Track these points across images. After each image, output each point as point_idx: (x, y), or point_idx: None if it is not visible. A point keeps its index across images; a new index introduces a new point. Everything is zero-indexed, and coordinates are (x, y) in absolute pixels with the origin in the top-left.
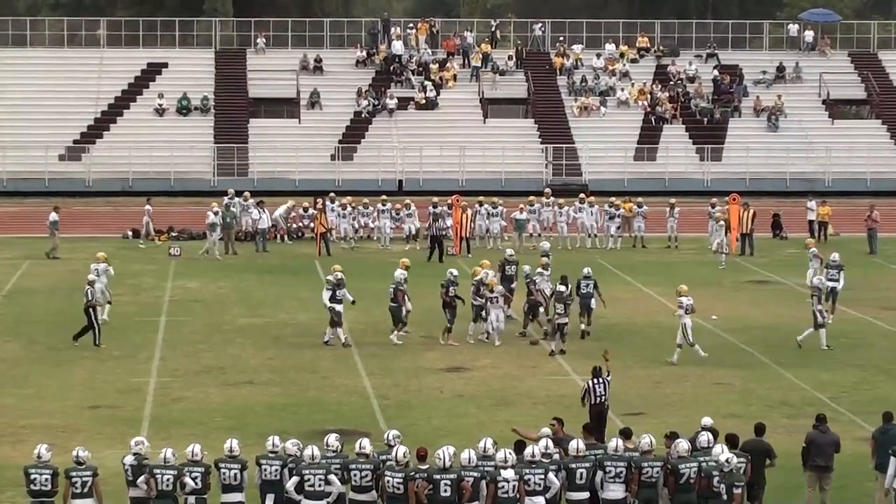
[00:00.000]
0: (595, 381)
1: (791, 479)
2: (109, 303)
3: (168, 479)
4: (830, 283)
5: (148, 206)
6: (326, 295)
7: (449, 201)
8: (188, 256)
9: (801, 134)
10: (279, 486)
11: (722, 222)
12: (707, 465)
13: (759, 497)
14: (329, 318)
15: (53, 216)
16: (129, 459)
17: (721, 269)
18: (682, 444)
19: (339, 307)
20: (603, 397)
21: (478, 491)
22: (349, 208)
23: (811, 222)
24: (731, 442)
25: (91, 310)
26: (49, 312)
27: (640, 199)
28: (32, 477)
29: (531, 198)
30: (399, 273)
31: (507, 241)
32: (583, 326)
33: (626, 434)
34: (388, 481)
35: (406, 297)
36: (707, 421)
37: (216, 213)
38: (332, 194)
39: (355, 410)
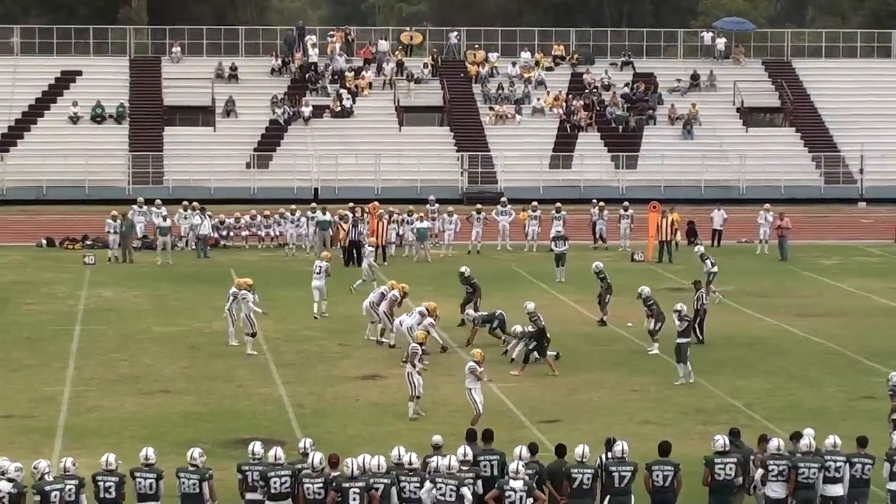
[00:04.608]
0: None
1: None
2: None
3: (70, 490)
4: None
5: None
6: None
7: (367, 209)
8: (108, 264)
9: (715, 142)
10: (199, 498)
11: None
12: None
13: None
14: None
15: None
16: (7, 487)
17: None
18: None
19: None
20: None
21: (388, 498)
22: (297, 214)
23: (715, 231)
24: (663, 450)
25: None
26: None
27: (558, 204)
28: None
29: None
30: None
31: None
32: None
33: (532, 449)
34: (308, 488)
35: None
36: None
37: (115, 220)
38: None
39: (271, 419)
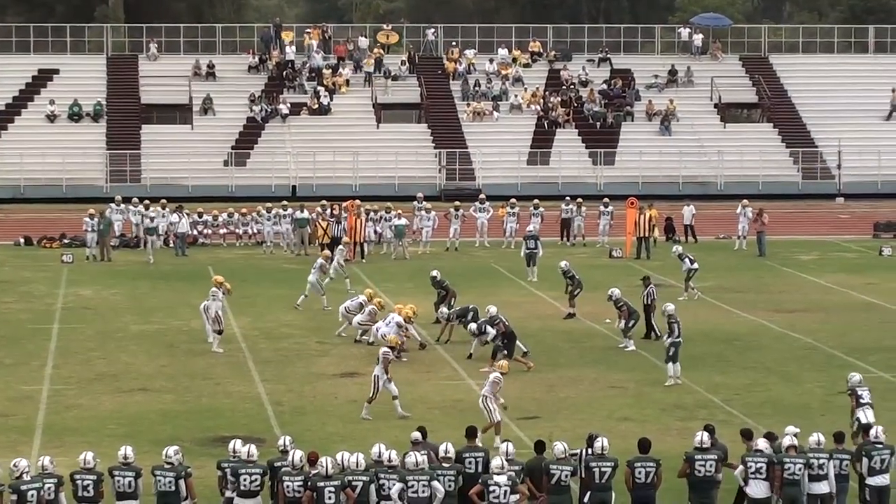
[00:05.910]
0: None
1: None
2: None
3: (49, 489)
4: None
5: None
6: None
7: (345, 206)
8: (87, 262)
9: (693, 138)
10: (175, 496)
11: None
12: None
13: None
14: None
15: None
16: None
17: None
18: (558, 447)
19: None
20: None
21: (367, 496)
22: (273, 211)
23: (687, 226)
24: (643, 447)
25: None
26: None
27: (536, 201)
28: None
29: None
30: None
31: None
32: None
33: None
34: (288, 486)
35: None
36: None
37: (92, 218)
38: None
39: (249, 417)
